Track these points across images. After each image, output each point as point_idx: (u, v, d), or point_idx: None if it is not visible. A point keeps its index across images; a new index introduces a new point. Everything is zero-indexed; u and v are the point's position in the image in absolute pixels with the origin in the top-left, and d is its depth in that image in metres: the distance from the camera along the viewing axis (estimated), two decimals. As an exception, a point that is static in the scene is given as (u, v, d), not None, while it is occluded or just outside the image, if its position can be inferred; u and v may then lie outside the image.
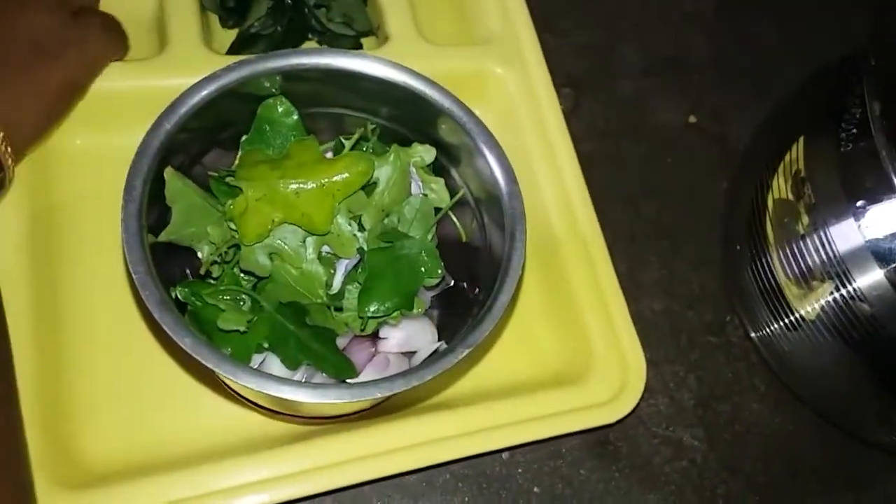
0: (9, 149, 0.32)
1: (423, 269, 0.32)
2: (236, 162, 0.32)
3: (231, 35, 0.44)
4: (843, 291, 0.39)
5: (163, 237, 0.29)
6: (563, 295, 0.41)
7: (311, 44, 0.46)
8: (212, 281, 0.32)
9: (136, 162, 0.28)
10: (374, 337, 0.34)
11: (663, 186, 0.49)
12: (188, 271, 0.33)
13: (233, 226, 0.30)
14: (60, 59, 0.34)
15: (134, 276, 0.26)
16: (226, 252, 0.31)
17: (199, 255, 0.31)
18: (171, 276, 0.31)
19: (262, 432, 0.36)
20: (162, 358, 0.36)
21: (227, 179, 0.30)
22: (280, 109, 0.32)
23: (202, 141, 0.32)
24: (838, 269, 0.38)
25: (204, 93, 0.29)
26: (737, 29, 0.56)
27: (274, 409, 0.34)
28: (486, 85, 0.45)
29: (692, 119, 0.52)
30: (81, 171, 0.38)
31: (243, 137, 0.32)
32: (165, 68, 0.39)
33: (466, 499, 0.38)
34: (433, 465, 0.35)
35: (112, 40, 0.37)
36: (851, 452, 0.44)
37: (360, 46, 0.46)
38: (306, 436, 0.35)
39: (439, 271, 0.33)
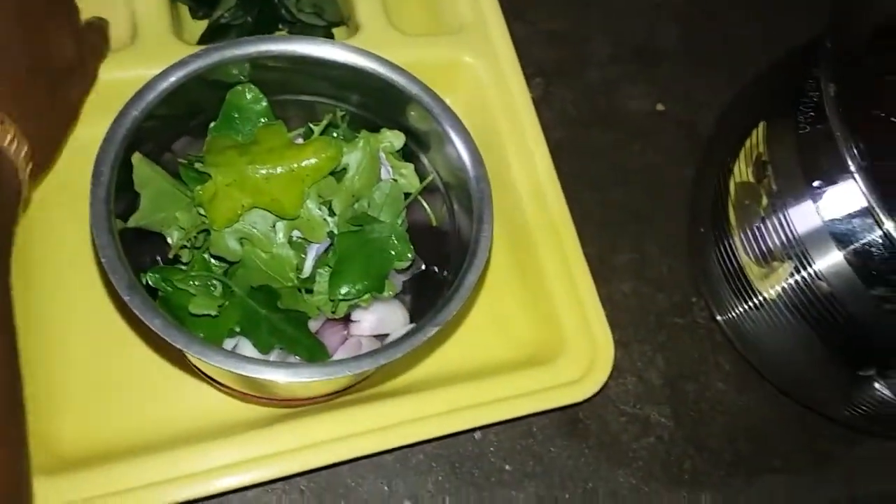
0: (30, 165, 0.31)
1: (393, 252, 0.33)
2: (204, 148, 0.32)
3: (201, 26, 0.44)
4: (803, 271, 0.40)
5: (132, 223, 0.30)
6: (534, 278, 0.42)
7: (281, 34, 0.46)
8: (182, 267, 0.32)
9: (103, 147, 0.28)
10: (347, 320, 0.35)
11: (633, 172, 0.50)
12: (159, 259, 0.33)
13: (202, 211, 0.30)
14: (76, 77, 0.35)
15: (102, 259, 0.26)
16: (195, 237, 0.31)
17: (169, 240, 0.31)
18: (142, 264, 0.31)
19: (236, 416, 0.36)
20: (135, 344, 0.36)
21: (196, 165, 0.31)
22: (249, 96, 0.32)
23: (171, 128, 0.32)
24: (798, 250, 0.40)
25: (172, 79, 0.30)
26: (706, 16, 0.57)
27: (246, 391, 0.34)
28: (456, 74, 0.45)
29: (660, 107, 0.53)
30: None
31: (212, 124, 0.32)
32: (135, 59, 0.39)
33: (440, 478, 0.39)
34: (406, 444, 0.36)
35: (103, 49, 0.38)
36: (814, 428, 0.46)
37: (331, 36, 0.46)
38: (281, 418, 0.35)
39: (409, 254, 0.33)
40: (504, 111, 0.45)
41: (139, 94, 0.29)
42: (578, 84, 0.52)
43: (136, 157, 0.29)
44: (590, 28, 0.54)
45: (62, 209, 0.38)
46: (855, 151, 0.35)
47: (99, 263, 0.27)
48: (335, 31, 0.47)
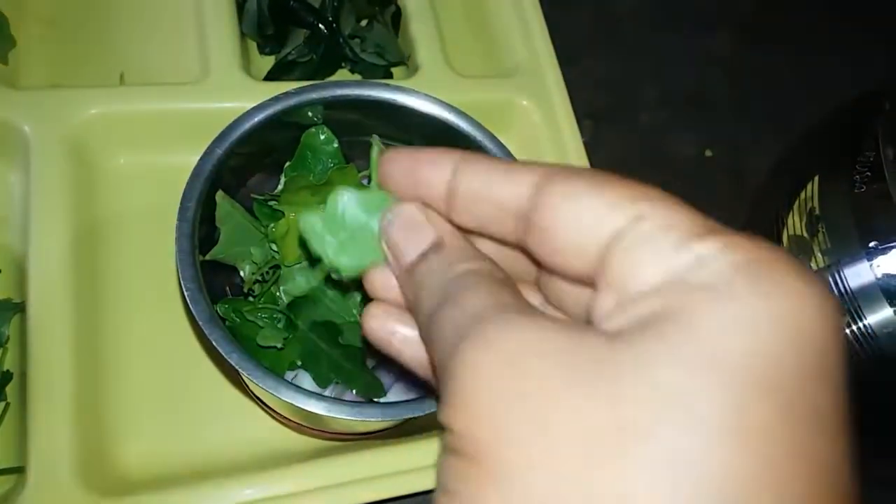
0: None
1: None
2: (280, 186, 0.33)
3: (269, 61, 0.46)
4: (855, 328, 0.40)
5: (210, 256, 0.31)
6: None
7: (344, 72, 0.48)
8: (250, 298, 0.33)
9: (189, 185, 0.29)
10: (402, 357, 0.35)
11: (679, 218, 0.50)
12: (227, 288, 0.34)
13: (274, 247, 0.32)
14: None
15: (186, 292, 0.27)
16: (266, 272, 0.32)
17: (242, 273, 0.32)
18: (212, 292, 0.32)
19: (288, 446, 0.37)
20: (198, 370, 0.37)
21: (271, 203, 0.32)
22: (322, 137, 0.33)
23: (248, 165, 0.33)
24: (850, 307, 0.40)
25: (254, 120, 0.31)
26: (754, 65, 0.58)
27: (303, 423, 0.35)
28: (510, 115, 0.47)
29: (708, 153, 0.54)
30: (124, 188, 0.40)
31: (287, 163, 0.34)
32: (206, 92, 0.41)
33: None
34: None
35: None
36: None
37: (390, 75, 0.48)
38: (332, 451, 0.36)
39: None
40: (555, 152, 0.46)
41: (223, 134, 0.31)
42: (628, 128, 0.53)
43: (220, 195, 0.30)
44: (640, 73, 0.55)
45: (134, 233, 0.39)
46: (914, 213, 0.35)
47: (181, 295, 0.28)
48: (395, 69, 0.48)
